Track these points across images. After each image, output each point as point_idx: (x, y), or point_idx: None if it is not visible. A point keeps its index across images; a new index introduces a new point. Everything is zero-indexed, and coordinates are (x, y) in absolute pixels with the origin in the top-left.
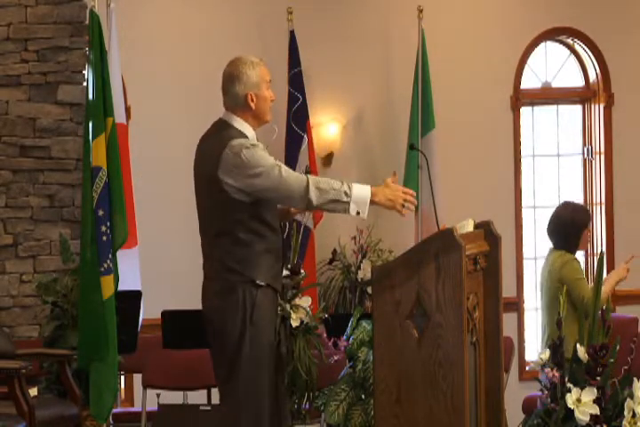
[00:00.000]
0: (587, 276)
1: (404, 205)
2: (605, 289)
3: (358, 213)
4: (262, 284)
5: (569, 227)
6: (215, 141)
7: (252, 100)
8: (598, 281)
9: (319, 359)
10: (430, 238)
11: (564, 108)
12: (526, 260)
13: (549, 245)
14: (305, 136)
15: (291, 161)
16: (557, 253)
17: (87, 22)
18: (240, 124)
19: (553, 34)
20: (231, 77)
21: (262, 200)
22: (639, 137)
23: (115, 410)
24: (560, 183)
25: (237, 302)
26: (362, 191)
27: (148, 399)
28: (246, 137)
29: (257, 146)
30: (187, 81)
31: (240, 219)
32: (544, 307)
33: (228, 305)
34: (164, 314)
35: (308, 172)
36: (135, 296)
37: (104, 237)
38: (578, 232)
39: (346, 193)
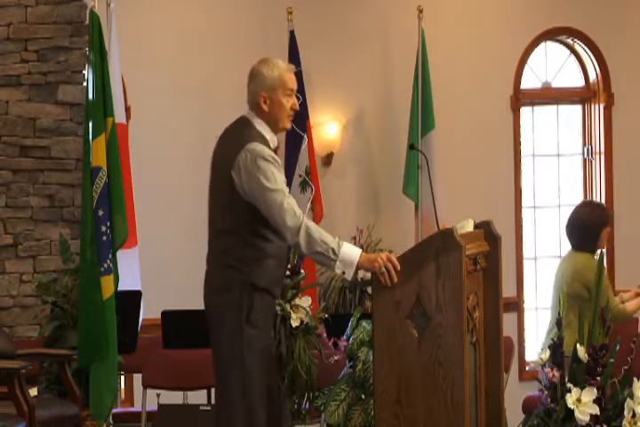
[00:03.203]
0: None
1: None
2: (632, 309)
3: (344, 272)
4: (260, 286)
5: (587, 226)
6: (235, 139)
7: (265, 102)
8: (599, 281)
9: (319, 359)
10: (430, 238)
11: (563, 108)
12: (526, 260)
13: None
14: (305, 136)
15: (291, 161)
16: (580, 255)
17: (87, 22)
18: (260, 125)
19: (553, 34)
20: (250, 75)
21: None
22: (639, 137)
23: (115, 410)
24: (560, 183)
25: (234, 301)
26: (351, 252)
27: (148, 399)
28: (265, 139)
29: (275, 162)
30: (187, 81)
31: (247, 219)
32: (559, 308)
33: (225, 303)
34: (164, 314)
35: (308, 172)
36: (135, 296)
37: (104, 237)
38: (596, 232)
39: (333, 251)
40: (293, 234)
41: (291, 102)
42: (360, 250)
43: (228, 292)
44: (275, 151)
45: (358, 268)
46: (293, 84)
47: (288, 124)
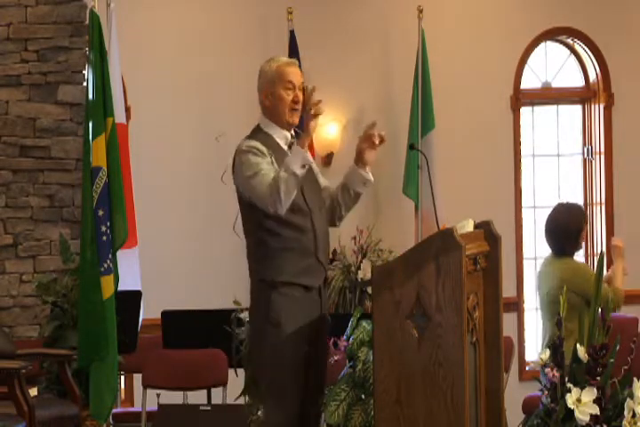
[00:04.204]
0: None
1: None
2: (621, 283)
3: (304, 166)
4: (278, 282)
5: (569, 230)
6: None
7: (267, 97)
8: (598, 281)
9: None
10: (430, 238)
11: (563, 108)
12: (526, 260)
13: (548, 250)
14: None
15: None
16: (563, 261)
17: (87, 22)
18: (267, 125)
19: (553, 34)
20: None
21: None
22: (639, 137)
23: (115, 410)
24: (560, 183)
25: (255, 301)
26: (293, 153)
27: (148, 399)
28: (269, 136)
29: (253, 150)
30: (187, 81)
31: (255, 218)
32: (549, 315)
33: (252, 305)
34: (164, 314)
35: None
36: (135, 296)
37: (104, 237)
38: (578, 233)
39: (283, 169)
40: (273, 201)
41: (292, 95)
42: (296, 147)
43: (252, 293)
44: (290, 147)
45: (302, 145)
46: (293, 77)
47: (293, 119)
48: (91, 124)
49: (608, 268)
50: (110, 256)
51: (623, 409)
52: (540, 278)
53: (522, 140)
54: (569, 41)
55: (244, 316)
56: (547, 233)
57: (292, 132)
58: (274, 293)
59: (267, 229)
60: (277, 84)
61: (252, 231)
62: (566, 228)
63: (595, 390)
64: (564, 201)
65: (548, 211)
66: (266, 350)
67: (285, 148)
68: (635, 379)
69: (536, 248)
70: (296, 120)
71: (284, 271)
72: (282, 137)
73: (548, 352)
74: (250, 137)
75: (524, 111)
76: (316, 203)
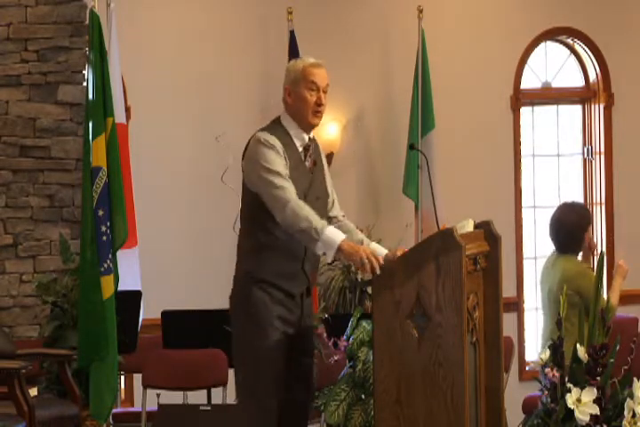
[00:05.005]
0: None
1: (363, 265)
2: (617, 299)
3: (324, 253)
4: (261, 278)
5: (573, 229)
6: None
7: (289, 96)
8: (598, 281)
9: (319, 359)
10: (430, 238)
11: (563, 108)
12: (526, 260)
13: (551, 247)
14: None
15: None
16: (566, 259)
17: (87, 22)
18: (288, 121)
19: (553, 34)
20: None
21: None
22: (639, 137)
23: (115, 410)
24: (560, 183)
25: (236, 292)
26: (334, 235)
27: (148, 399)
28: (287, 134)
29: (273, 147)
30: (187, 81)
31: (251, 210)
32: (550, 313)
33: (232, 296)
34: (164, 314)
35: None
36: (135, 296)
37: (104, 237)
38: (582, 233)
39: (316, 230)
40: (280, 210)
41: (315, 97)
42: (344, 235)
43: (233, 285)
44: (306, 149)
45: (339, 252)
46: (318, 78)
47: (315, 120)
48: (91, 124)
49: (608, 273)
50: (110, 256)
51: (623, 409)
52: (542, 276)
53: (522, 140)
54: (569, 41)
55: None
56: (551, 232)
57: (312, 135)
58: (255, 287)
59: (260, 224)
60: (301, 84)
61: (246, 221)
62: (570, 227)
63: (595, 390)
64: (569, 201)
65: (548, 211)
66: (241, 343)
67: (300, 149)
68: (635, 379)
69: (536, 248)
70: (317, 122)
71: (268, 270)
72: (299, 138)
73: (547, 352)
74: (268, 130)
75: (524, 111)
76: (314, 207)
